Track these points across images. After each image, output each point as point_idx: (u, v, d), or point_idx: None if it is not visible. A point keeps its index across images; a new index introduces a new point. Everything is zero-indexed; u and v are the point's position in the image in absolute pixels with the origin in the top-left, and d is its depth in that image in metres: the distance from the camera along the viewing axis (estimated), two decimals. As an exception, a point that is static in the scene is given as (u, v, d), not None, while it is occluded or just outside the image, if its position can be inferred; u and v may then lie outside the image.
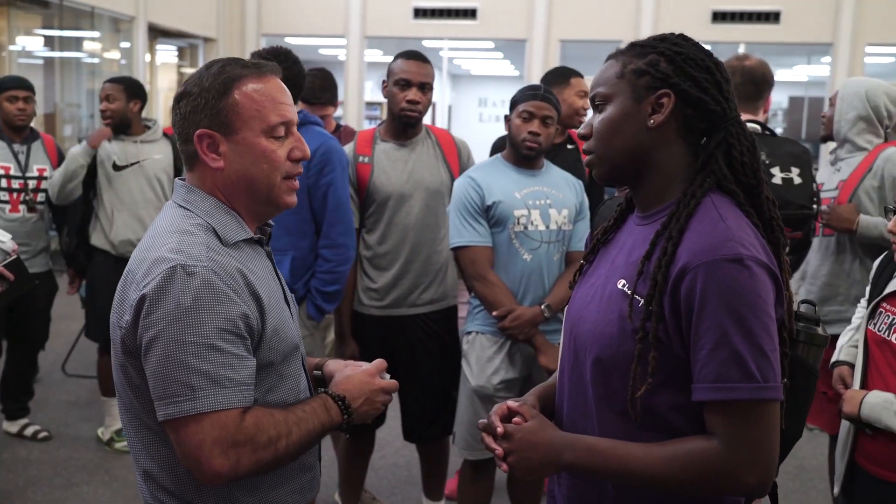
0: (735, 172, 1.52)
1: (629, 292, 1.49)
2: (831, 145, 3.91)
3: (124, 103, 4.42)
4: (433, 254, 3.40)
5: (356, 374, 1.74)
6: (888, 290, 2.44)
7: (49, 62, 10.96)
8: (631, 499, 1.55)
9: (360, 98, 14.66)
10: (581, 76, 4.19)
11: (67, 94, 11.07)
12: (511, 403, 1.63)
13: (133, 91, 4.46)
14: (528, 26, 13.81)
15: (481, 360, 3.18)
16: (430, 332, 3.45)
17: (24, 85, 4.46)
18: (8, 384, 4.70)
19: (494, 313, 3.11)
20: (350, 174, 3.36)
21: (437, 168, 3.44)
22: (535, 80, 14.14)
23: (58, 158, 4.61)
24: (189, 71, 14.59)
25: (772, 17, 13.23)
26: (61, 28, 10.67)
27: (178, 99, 1.62)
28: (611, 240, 1.68)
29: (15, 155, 4.44)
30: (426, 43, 14.63)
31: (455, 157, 3.49)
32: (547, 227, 3.15)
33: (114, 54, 12.06)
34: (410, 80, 3.30)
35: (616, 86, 1.55)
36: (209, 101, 1.58)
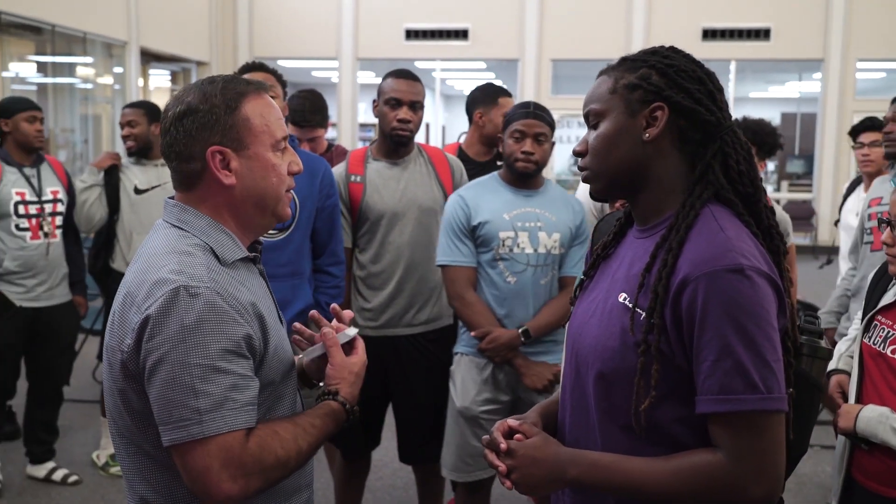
0: (732, 182, 1.51)
1: (630, 305, 1.49)
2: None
3: (146, 127, 4.45)
4: (427, 273, 3.37)
5: (338, 364, 1.71)
6: (883, 302, 2.43)
7: (42, 88, 10.97)
8: None
9: (354, 119, 14.70)
10: (510, 95, 4.21)
11: (61, 119, 11.07)
12: (511, 421, 1.62)
13: (153, 115, 4.48)
14: (520, 46, 13.88)
15: (466, 380, 3.14)
16: (426, 353, 3.41)
17: (38, 105, 4.34)
18: (33, 424, 4.47)
19: (472, 334, 3.08)
20: (342, 193, 3.36)
21: (430, 186, 3.42)
22: (528, 99, 14.22)
23: (67, 179, 4.48)
24: (182, 95, 14.60)
25: (762, 33, 13.31)
26: (54, 54, 10.69)
27: (181, 116, 1.58)
28: (611, 254, 1.67)
29: (27, 179, 4.24)
30: (418, 64, 14.68)
31: (448, 176, 3.47)
32: (535, 250, 3.09)
33: (107, 79, 12.08)
34: (401, 99, 3.29)
35: (609, 101, 1.55)
36: (220, 116, 1.57)
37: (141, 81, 12.35)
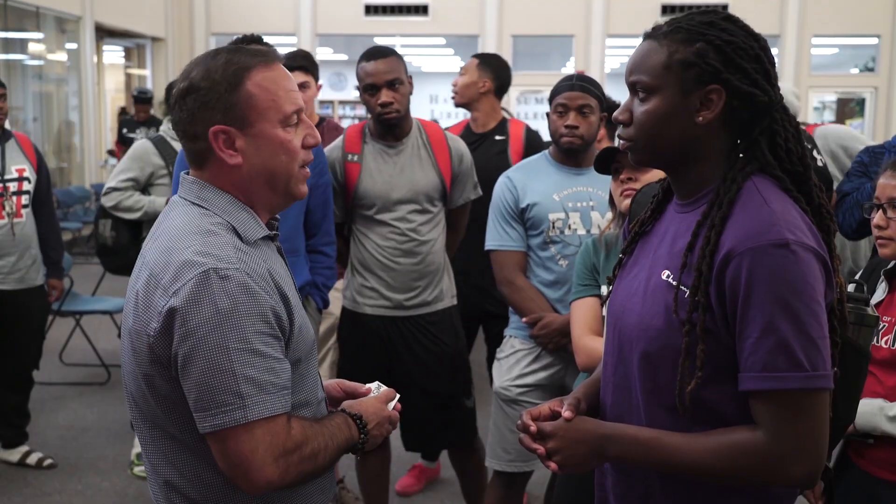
0: (779, 160, 1.47)
1: (674, 283, 1.46)
2: None
3: None
4: (428, 255, 3.29)
5: (368, 400, 1.72)
6: (874, 300, 2.40)
7: (-7, 64, 10.75)
8: (678, 495, 1.52)
9: (313, 96, 14.57)
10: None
11: (13, 97, 10.85)
12: (550, 404, 1.61)
13: None
14: (480, 22, 13.84)
15: (509, 361, 3.06)
16: (429, 335, 3.33)
17: None
18: (3, 408, 4.35)
19: (523, 320, 2.99)
20: (337, 172, 3.29)
21: (426, 170, 3.30)
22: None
23: (36, 157, 4.31)
24: (136, 72, 14.38)
25: (719, 9, 13.40)
26: (5, 29, 10.44)
27: (184, 94, 1.51)
28: (650, 231, 1.64)
29: None
30: (377, 40, 14.57)
31: (447, 161, 3.34)
32: (588, 231, 2.96)
33: (60, 56, 11.84)
34: (376, 83, 3.16)
35: (662, 77, 1.46)
36: (221, 94, 1.50)
37: (95, 58, 12.13)
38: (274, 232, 1.64)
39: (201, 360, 1.41)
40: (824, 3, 13.42)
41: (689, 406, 1.43)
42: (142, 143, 4.35)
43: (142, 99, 9.34)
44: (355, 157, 3.28)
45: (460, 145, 3.43)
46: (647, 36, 1.52)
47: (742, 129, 1.49)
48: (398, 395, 1.79)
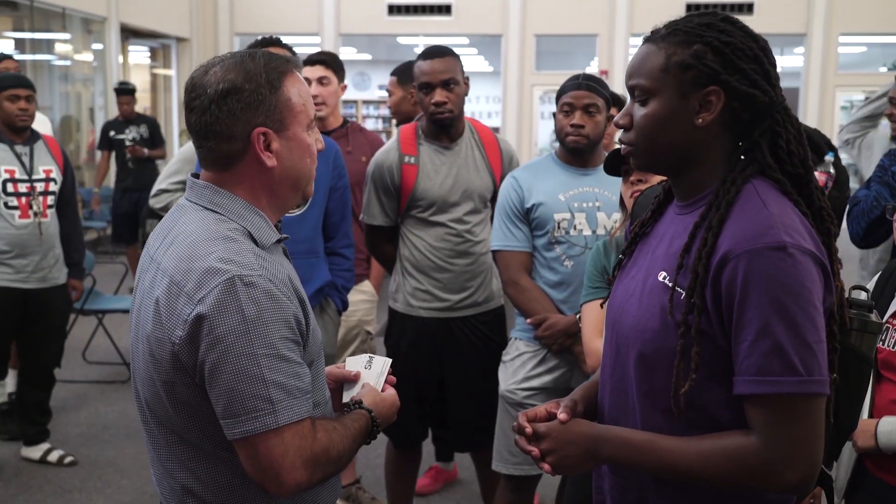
0: (780, 162, 1.46)
1: (670, 285, 1.45)
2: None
3: None
4: (481, 255, 3.31)
5: (389, 400, 1.74)
6: (892, 308, 2.33)
7: (20, 65, 10.83)
8: (673, 499, 1.51)
9: (336, 96, 14.59)
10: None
11: (40, 97, 10.90)
12: (546, 405, 1.61)
13: None
14: (503, 21, 13.81)
15: (514, 364, 3.06)
16: (482, 336, 3.34)
17: (25, 83, 4.25)
18: (24, 405, 4.45)
19: (528, 321, 2.98)
20: (395, 175, 3.26)
21: (481, 171, 3.32)
22: (511, 75, 14.16)
23: (62, 159, 4.39)
24: (162, 72, 14.47)
25: (745, 8, 13.30)
26: (32, 30, 10.54)
27: (224, 95, 1.51)
28: (649, 232, 1.63)
29: (18, 157, 4.18)
30: (400, 40, 14.62)
31: (498, 161, 3.36)
32: (593, 231, 2.95)
33: (86, 56, 11.94)
34: (431, 82, 3.15)
35: (660, 80, 1.46)
36: (265, 97, 1.52)
37: (120, 58, 12.21)
38: (284, 236, 1.65)
39: (230, 367, 1.42)
40: (851, 2, 13.28)
41: (683, 409, 1.42)
42: (192, 145, 4.37)
43: (124, 90, 8.34)
44: (412, 159, 3.26)
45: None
46: (646, 39, 1.51)
47: (743, 130, 1.47)
48: (390, 361, 1.80)
